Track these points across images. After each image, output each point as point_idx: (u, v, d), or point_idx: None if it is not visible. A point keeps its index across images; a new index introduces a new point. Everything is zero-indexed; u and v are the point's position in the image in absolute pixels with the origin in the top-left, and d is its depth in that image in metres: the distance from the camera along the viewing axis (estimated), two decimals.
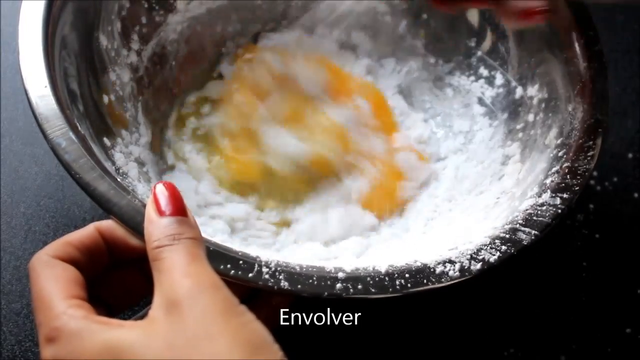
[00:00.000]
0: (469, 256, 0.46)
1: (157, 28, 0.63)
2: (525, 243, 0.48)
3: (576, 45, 0.58)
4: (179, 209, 0.41)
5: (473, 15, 0.65)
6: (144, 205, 0.43)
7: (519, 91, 0.62)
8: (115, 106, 0.57)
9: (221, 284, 0.38)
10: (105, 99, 0.56)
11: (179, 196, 0.42)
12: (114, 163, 0.53)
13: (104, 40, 0.56)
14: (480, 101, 0.65)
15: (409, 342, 0.57)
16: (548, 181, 0.52)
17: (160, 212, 0.41)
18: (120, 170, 0.53)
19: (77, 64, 0.53)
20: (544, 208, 0.49)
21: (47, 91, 0.47)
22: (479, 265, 0.46)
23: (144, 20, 0.61)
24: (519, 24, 0.55)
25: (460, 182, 0.62)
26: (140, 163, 0.57)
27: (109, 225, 0.44)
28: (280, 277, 0.43)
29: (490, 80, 0.65)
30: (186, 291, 0.37)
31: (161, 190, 0.41)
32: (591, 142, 0.53)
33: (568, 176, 0.51)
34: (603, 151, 0.53)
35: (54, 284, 0.40)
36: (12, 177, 0.63)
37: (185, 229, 0.40)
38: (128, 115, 0.59)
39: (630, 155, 0.68)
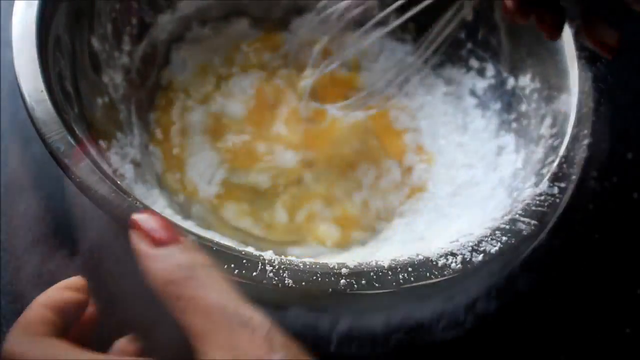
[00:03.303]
0: (470, 248, 0.47)
1: (147, 29, 0.62)
2: (525, 233, 0.48)
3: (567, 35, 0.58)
4: (176, 233, 0.35)
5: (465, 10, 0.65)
6: (145, 207, 0.43)
7: (510, 82, 0.62)
8: (109, 108, 0.57)
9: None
10: (99, 100, 0.56)
11: (169, 221, 0.37)
12: (110, 165, 0.52)
13: (96, 42, 0.56)
14: (472, 93, 0.66)
15: None
16: (545, 171, 0.52)
17: (157, 242, 0.35)
18: (118, 172, 0.53)
19: (71, 66, 0.52)
20: (542, 198, 0.50)
21: (44, 95, 0.46)
22: (480, 257, 0.46)
23: (134, 21, 0.61)
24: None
25: (455, 174, 0.63)
26: (136, 164, 0.57)
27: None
28: (284, 274, 0.43)
29: (481, 72, 0.65)
30: None
31: (146, 220, 0.35)
32: (586, 131, 0.53)
33: (564, 165, 0.51)
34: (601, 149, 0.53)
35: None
36: (12, 177, 0.62)
37: (195, 253, 0.35)
38: (122, 116, 0.58)
39: (630, 155, 0.67)
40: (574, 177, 0.51)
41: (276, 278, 0.43)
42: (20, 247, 0.58)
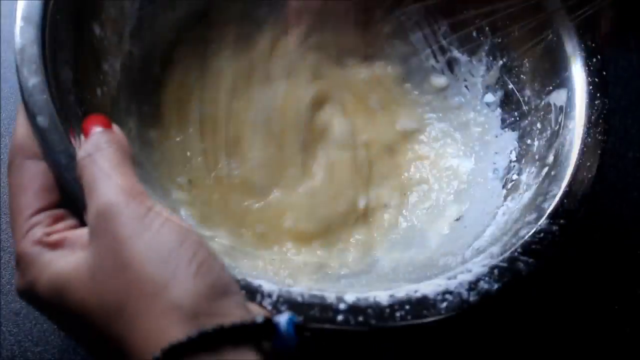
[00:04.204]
0: (467, 287, 0.46)
1: (148, 21, 0.61)
2: (524, 274, 0.47)
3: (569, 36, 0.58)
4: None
5: None
6: None
7: (509, 81, 0.62)
8: (108, 99, 0.56)
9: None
10: (99, 91, 0.55)
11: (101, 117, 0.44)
12: None
13: (97, 29, 0.55)
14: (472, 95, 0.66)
15: None
16: (546, 205, 0.51)
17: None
18: None
19: (72, 62, 0.50)
20: (542, 235, 0.48)
21: (48, 101, 0.45)
22: (477, 297, 0.45)
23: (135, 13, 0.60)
24: None
25: (452, 174, 0.63)
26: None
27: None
28: (282, 308, 0.43)
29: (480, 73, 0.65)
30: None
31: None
32: (586, 130, 0.53)
33: (566, 200, 0.50)
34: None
35: (23, 195, 0.42)
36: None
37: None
38: (120, 106, 0.57)
39: (630, 155, 0.68)
40: (575, 213, 0.50)
41: (274, 310, 0.42)
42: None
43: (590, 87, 0.53)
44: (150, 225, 0.37)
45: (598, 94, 0.53)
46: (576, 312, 0.59)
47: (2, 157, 0.63)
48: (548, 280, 0.60)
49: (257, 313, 0.39)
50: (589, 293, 0.60)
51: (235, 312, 0.36)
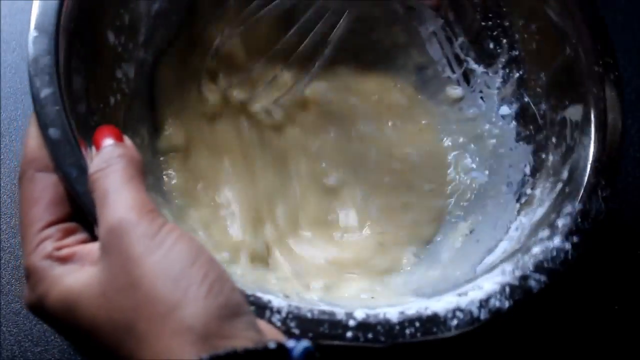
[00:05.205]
0: (478, 304, 0.46)
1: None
2: (535, 291, 0.47)
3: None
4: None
5: None
6: None
7: (525, 95, 0.61)
8: (119, 108, 0.56)
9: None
10: (112, 99, 0.55)
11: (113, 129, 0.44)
12: None
13: (111, 37, 0.55)
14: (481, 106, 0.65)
15: None
16: (559, 223, 0.50)
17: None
18: None
19: (85, 70, 0.50)
20: (555, 254, 0.48)
21: (60, 113, 0.45)
22: (488, 315, 0.45)
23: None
24: None
25: (466, 187, 0.63)
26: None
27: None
28: (292, 324, 0.43)
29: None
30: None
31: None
32: (606, 148, 0.53)
33: (579, 219, 0.50)
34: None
35: (34, 208, 0.42)
36: (12, 177, 0.62)
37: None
38: (133, 115, 0.57)
39: (630, 155, 0.68)
40: (589, 231, 0.50)
41: (283, 327, 0.42)
42: (20, 247, 0.57)
43: (607, 104, 0.53)
44: (161, 243, 0.37)
45: (614, 111, 0.53)
46: (575, 312, 0.59)
47: (1, 157, 0.63)
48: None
49: (268, 333, 0.39)
50: (588, 293, 0.60)
51: (246, 333, 0.36)
